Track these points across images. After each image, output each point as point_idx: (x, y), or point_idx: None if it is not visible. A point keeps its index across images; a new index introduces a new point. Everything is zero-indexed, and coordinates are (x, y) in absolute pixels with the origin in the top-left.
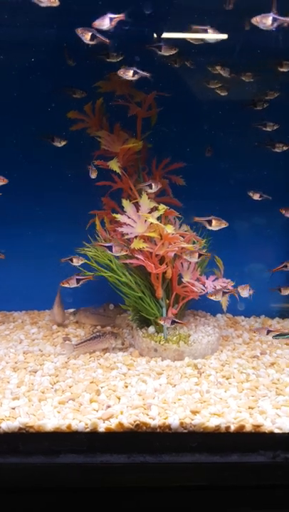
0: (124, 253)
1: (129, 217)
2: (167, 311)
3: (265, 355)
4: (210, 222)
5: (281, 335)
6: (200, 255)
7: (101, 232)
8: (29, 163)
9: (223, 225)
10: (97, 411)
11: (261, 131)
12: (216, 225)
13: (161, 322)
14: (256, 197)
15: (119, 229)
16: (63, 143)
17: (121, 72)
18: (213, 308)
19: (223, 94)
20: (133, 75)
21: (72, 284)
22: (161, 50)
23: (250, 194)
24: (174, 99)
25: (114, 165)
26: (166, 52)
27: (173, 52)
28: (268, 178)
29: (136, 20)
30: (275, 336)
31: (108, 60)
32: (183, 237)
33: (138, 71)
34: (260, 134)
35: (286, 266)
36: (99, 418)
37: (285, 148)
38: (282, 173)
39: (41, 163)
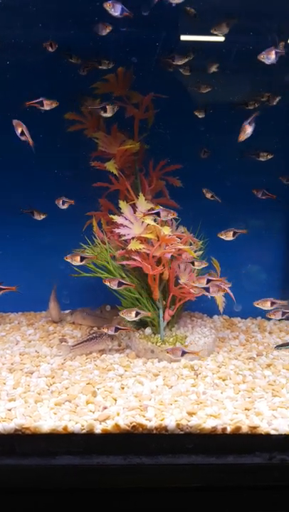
0: (172, 216)
1: (126, 219)
2: (164, 312)
3: (262, 357)
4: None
5: (283, 345)
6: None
7: (98, 233)
8: (26, 164)
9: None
10: (93, 412)
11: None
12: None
13: (105, 330)
14: (208, 196)
15: (116, 230)
16: (43, 216)
17: None
18: (210, 310)
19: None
20: None
21: None
22: (174, 59)
23: (204, 191)
24: (171, 100)
25: (112, 166)
26: (179, 61)
27: (186, 59)
28: (266, 179)
29: (134, 23)
30: (278, 347)
31: (100, 67)
32: (180, 238)
33: None
34: (256, 136)
35: None
36: (95, 419)
37: (269, 156)
38: (281, 174)
39: (38, 164)
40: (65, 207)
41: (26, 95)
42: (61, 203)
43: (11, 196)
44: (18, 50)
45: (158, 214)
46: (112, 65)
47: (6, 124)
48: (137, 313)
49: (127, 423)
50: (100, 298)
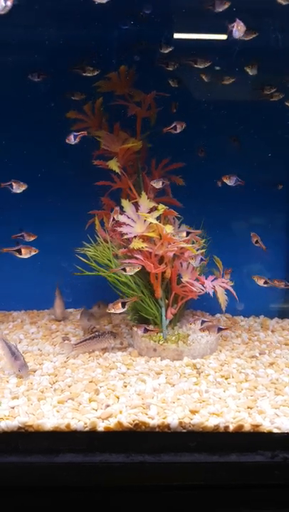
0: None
1: (128, 217)
2: (166, 310)
3: (264, 355)
4: None
5: None
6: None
7: (100, 231)
8: (28, 163)
9: None
10: (96, 410)
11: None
12: None
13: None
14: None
15: (119, 229)
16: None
17: None
18: (212, 309)
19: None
20: None
21: None
22: (196, 63)
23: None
24: (173, 98)
25: (114, 165)
26: (201, 64)
27: (208, 64)
28: (268, 178)
29: (137, 21)
30: None
31: (84, 74)
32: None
33: None
34: (259, 133)
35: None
36: (98, 417)
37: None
38: (282, 173)
39: (40, 163)
40: None
41: (25, 94)
42: None
43: (12, 195)
44: (17, 48)
45: None
46: (97, 73)
47: (6, 124)
48: (124, 304)
49: (129, 421)
50: (102, 296)
